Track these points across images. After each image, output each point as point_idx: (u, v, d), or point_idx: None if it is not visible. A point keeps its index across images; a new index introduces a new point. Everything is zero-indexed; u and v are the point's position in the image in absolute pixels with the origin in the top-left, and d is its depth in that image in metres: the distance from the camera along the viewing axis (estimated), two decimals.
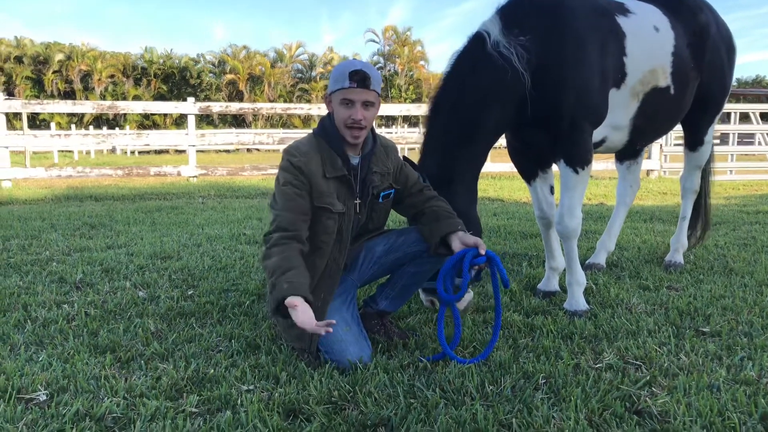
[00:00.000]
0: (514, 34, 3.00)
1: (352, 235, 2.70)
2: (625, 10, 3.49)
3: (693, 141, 4.30)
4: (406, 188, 2.82)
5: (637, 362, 2.52)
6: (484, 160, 3.17)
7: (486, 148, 3.15)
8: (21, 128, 20.23)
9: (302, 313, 2.25)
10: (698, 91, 3.89)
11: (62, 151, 26.72)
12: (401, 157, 2.88)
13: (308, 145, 2.59)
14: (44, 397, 2.17)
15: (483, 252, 2.49)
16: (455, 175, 3.00)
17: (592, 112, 3.17)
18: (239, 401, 2.14)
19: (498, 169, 11.97)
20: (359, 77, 2.48)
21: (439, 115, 3.04)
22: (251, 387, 2.27)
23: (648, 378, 2.33)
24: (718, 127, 14.48)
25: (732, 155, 14.01)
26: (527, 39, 2.99)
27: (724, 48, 4.01)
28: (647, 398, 2.17)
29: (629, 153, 4.40)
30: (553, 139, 3.20)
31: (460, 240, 2.56)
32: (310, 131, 2.72)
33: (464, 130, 3.00)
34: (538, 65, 3.02)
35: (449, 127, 3.01)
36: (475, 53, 3.04)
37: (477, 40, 3.05)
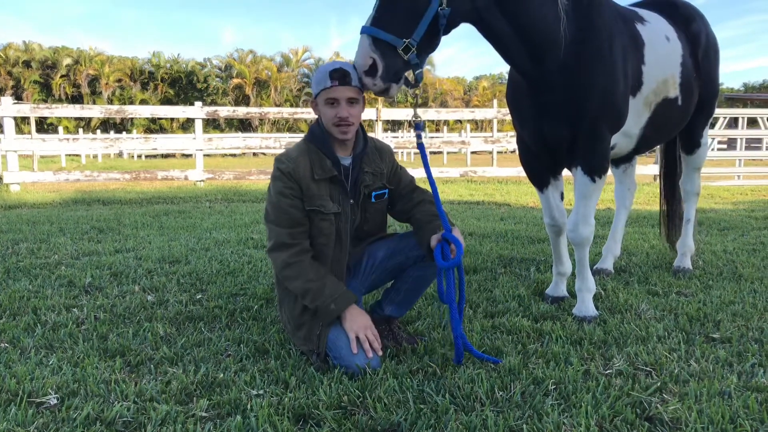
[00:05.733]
0: None
1: (351, 237, 2.73)
2: (641, 19, 3.49)
3: (689, 144, 4.30)
4: (398, 189, 2.85)
5: (648, 368, 2.51)
6: None
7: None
8: (29, 132, 20.36)
9: (357, 319, 2.50)
10: None
11: (70, 155, 26.85)
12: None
13: (297, 150, 2.63)
14: (55, 401, 2.18)
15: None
16: None
17: (612, 114, 3.12)
18: (249, 406, 2.14)
19: (505, 174, 11.95)
20: (339, 74, 2.51)
21: None
22: (261, 391, 2.27)
23: (659, 384, 2.32)
24: (725, 132, 14.47)
25: (740, 160, 13.96)
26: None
27: (713, 53, 4.06)
28: (658, 405, 2.16)
29: (626, 157, 4.41)
30: (572, 141, 3.16)
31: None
32: None
33: None
34: (571, 41, 2.96)
35: None
36: None
37: None
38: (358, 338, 2.46)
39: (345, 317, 2.49)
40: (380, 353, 2.50)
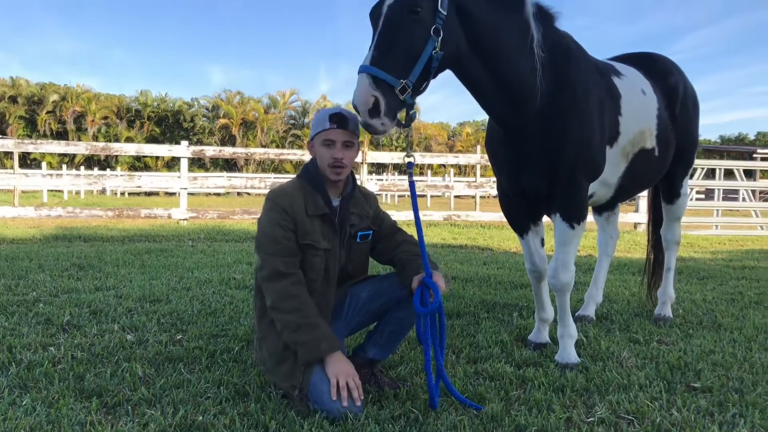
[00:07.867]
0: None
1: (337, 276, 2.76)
2: (618, 72, 3.60)
3: (670, 194, 4.40)
4: (381, 231, 2.91)
5: (630, 417, 2.51)
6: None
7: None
8: (11, 167, 20.22)
9: (341, 365, 2.46)
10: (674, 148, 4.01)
11: (52, 190, 26.64)
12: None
13: (292, 187, 2.70)
14: None
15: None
16: None
17: (589, 164, 3.17)
18: None
19: (487, 218, 12.06)
20: (338, 118, 2.63)
21: None
22: None
23: None
24: (703, 183, 14.78)
25: (717, 210, 14.21)
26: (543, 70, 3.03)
27: (692, 105, 4.17)
28: None
29: (608, 205, 4.49)
30: (549, 189, 3.22)
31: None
32: None
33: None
34: (548, 92, 3.04)
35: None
36: (525, 17, 2.94)
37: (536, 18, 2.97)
38: (339, 387, 2.42)
39: (329, 361, 2.47)
40: (358, 403, 2.44)
